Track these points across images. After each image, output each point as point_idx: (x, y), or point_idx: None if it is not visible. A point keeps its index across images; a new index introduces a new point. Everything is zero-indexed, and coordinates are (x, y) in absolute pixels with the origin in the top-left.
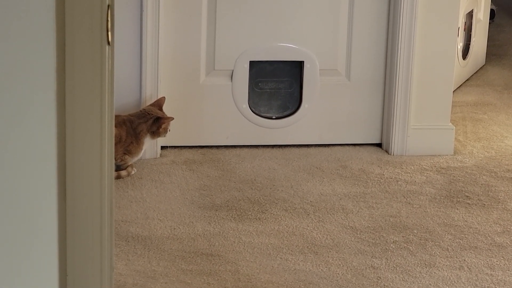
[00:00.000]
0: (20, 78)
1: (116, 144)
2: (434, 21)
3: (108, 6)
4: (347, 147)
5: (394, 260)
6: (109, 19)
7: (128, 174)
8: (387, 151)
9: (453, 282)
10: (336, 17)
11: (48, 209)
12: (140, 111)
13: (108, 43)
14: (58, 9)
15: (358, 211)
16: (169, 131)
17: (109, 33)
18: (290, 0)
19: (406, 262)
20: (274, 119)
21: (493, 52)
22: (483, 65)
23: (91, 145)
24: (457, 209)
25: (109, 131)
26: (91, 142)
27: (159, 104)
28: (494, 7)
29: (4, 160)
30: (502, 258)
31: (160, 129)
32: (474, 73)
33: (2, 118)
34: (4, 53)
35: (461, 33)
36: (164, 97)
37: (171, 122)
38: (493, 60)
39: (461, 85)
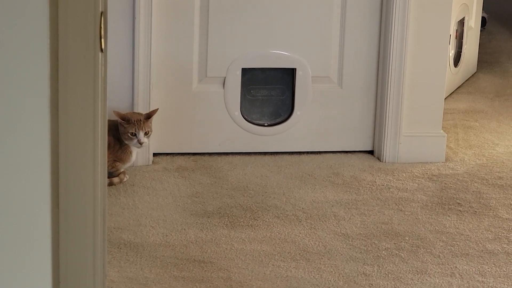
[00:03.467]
0: (13, 85)
1: None
2: (425, 28)
3: (101, 13)
4: (339, 155)
5: (386, 267)
6: (102, 26)
7: (121, 181)
8: (379, 159)
9: None
10: (328, 25)
11: (41, 215)
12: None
13: (101, 50)
14: (51, 16)
15: (350, 218)
16: (148, 134)
17: (102, 40)
18: (283, 8)
19: (397, 269)
20: (266, 126)
21: (485, 60)
22: (475, 73)
23: (84, 151)
24: (449, 216)
25: (102, 138)
26: (84, 149)
27: (148, 114)
28: (485, 15)
29: None
30: (493, 265)
31: (120, 132)
32: (466, 80)
33: None
34: None
35: (453, 40)
36: (157, 108)
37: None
38: (484, 68)
39: (452, 92)
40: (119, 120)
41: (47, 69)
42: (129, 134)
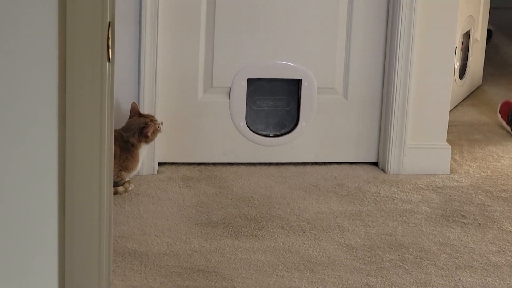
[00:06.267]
0: (22, 95)
1: None
2: (431, 40)
3: (109, 23)
4: (344, 166)
5: (390, 279)
6: (109, 36)
7: (126, 190)
8: (383, 170)
9: None
10: (334, 36)
11: (48, 224)
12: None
13: (109, 60)
14: (60, 26)
15: (354, 229)
16: (162, 124)
17: (110, 50)
18: (288, 19)
19: (401, 281)
20: (271, 137)
21: (490, 72)
22: (480, 85)
23: (90, 160)
24: (453, 228)
25: (108, 147)
26: (91, 158)
27: (135, 111)
28: (491, 28)
29: (5, 175)
30: (497, 278)
31: (149, 136)
32: (471, 93)
33: (4, 134)
34: (7, 70)
35: (458, 52)
36: (134, 102)
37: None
38: (490, 80)
39: (457, 104)
40: (157, 122)
41: (56, 79)
42: (160, 126)
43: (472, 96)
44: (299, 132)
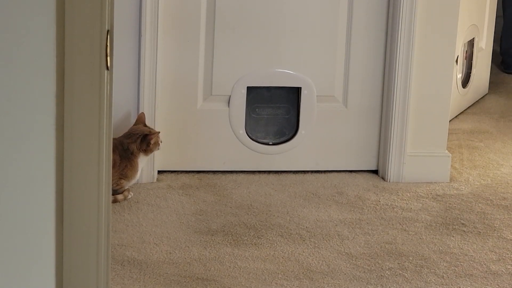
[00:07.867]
0: (20, 103)
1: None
2: (431, 49)
3: (108, 31)
4: (344, 174)
5: (390, 287)
6: (108, 44)
7: (125, 198)
8: (383, 178)
9: None
10: (333, 44)
11: (45, 232)
12: (127, 132)
13: (107, 68)
14: (58, 34)
15: (353, 238)
16: (161, 142)
17: (108, 58)
18: (288, 27)
19: None
20: (271, 145)
21: (490, 80)
22: (486, 94)
23: (88, 169)
24: (453, 236)
25: (106, 155)
26: (89, 166)
27: (141, 121)
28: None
29: (3, 184)
30: (497, 286)
31: (150, 145)
32: (476, 101)
33: (2, 142)
34: (5, 78)
35: (462, 61)
36: (143, 112)
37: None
38: (490, 88)
39: (460, 113)
40: (156, 134)
41: (54, 87)
42: (160, 140)
43: (472, 104)
44: (299, 140)
